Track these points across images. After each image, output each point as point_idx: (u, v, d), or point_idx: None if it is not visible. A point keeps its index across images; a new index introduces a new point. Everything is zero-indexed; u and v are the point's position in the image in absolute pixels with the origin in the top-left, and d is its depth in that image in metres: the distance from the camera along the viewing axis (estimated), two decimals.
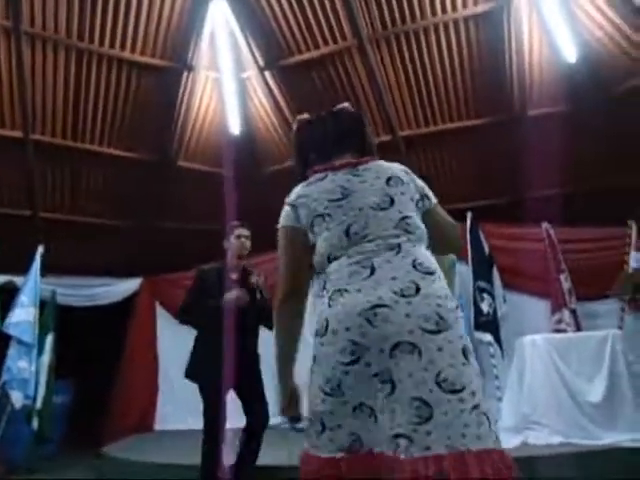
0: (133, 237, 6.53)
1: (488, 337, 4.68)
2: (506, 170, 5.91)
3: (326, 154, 1.52)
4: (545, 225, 5.08)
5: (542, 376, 3.64)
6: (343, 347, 1.24)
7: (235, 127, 6.39)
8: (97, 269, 6.32)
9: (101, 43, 5.50)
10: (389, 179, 1.44)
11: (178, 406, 5.81)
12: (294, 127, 1.63)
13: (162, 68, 5.91)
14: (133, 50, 5.67)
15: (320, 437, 1.26)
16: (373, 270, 1.29)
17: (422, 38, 5.49)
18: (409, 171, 1.51)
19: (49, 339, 5.30)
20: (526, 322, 4.84)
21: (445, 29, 5.39)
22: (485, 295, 4.85)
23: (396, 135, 6.08)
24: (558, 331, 4.60)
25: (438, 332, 1.22)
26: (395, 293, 1.24)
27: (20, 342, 4.96)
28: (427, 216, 1.46)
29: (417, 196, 1.45)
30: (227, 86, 6.22)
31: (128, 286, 6.59)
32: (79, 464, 4.90)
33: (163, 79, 5.98)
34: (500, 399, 4.35)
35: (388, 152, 6.24)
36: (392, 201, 1.39)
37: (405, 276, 1.28)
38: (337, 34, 5.66)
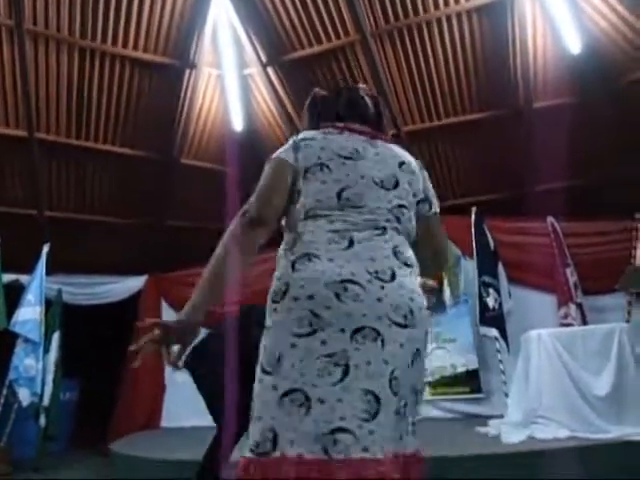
0: (138, 235, 6.55)
1: (494, 332, 4.67)
2: (511, 164, 5.87)
3: (340, 119, 1.44)
4: (550, 219, 5.05)
5: (548, 370, 3.61)
6: (300, 316, 1.09)
7: (238, 124, 6.39)
8: (102, 267, 6.34)
9: (103, 41, 5.51)
10: (402, 163, 1.37)
11: (184, 403, 5.83)
12: (309, 98, 1.57)
13: (165, 65, 5.91)
14: (135, 47, 5.67)
15: (251, 431, 1.09)
16: (352, 243, 1.18)
17: (425, 32, 5.45)
18: (424, 169, 1.45)
19: (55, 337, 5.34)
20: (532, 317, 4.81)
21: (448, 22, 5.35)
22: (491, 290, 4.83)
23: (400, 130, 6.05)
24: (564, 325, 4.57)
25: (404, 326, 1.14)
26: (369, 273, 1.14)
27: (27, 340, 5.00)
28: (422, 222, 1.38)
29: (421, 195, 1.39)
30: (230, 83, 6.21)
31: (133, 284, 6.62)
32: (86, 461, 4.94)
33: (166, 77, 5.98)
34: (506, 394, 4.34)
35: None
36: (396, 185, 1.31)
37: (383, 260, 1.18)
38: (340, 29, 5.63)
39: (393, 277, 1.17)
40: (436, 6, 5.28)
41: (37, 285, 5.25)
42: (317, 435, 1.01)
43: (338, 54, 5.81)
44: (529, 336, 3.89)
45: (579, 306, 4.74)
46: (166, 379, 6.29)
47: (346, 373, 1.06)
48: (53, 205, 6.20)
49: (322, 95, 1.57)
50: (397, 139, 1.51)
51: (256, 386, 1.12)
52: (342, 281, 1.11)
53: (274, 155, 1.33)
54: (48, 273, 5.43)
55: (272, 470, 1.00)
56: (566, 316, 4.71)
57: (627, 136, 5.18)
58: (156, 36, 5.71)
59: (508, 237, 5.22)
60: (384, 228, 1.24)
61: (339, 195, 1.24)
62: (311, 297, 1.10)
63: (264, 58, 6.02)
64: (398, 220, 1.28)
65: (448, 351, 5.28)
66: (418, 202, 1.37)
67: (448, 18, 5.33)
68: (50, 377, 5.13)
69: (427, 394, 5.24)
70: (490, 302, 4.76)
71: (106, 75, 5.71)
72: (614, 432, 3.16)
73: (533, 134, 5.58)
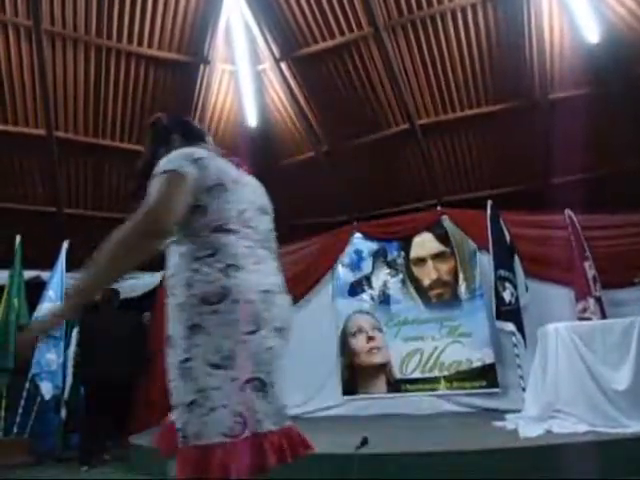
0: None
1: (510, 326, 4.63)
2: (527, 156, 5.80)
3: (192, 133, 1.63)
4: (568, 212, 4.98)
5: (566, 364, 3.57)
6: (243, 316, 1.25)
7: (252, 119, 6.41)
8: None
9: (119, 39, 5.57)
10: (263, 191, 1.57)
11: None
12: (151, 122, 1.73)
13: (179, 62, 5.95)
14: (150, 45, 5.73)
15: (204, 420, 1.17)
16: (259, 259, 1.39)
17: (439, 24, 5.40)
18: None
19: (75, 333, 5.44)
20: (549, 311, 4.77)
21: (462, 13, 5.28)
22: (507, 284, 4.78)
23: (414, 123, 6.02)
24: (583, 320, 4.51)
25: (290, 327, 1.44)
26: (277, 286, 1.41)
27: (48, 335, 5.10)
28: None
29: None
30: (243, 78, 6.23)
31: (150, 280, 6.68)
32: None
33: (180, 73, 6.02)
34: (523, 388, 4.31)
35: (406, 141, 6.19)
36: (268, 211, 1.54)
37: (278, 275, 1.45)
38: (352, 22, 5.60)
39: (282, 289, 1.44)
40: None
41: (57, 281, 5.36)
42: (274, 412, 1.26)
43: (351, 48, 5.78)
44: (546, 330, 3.85)
45: (598, 300, 4.67)
46: None
47: (278, 363, 1.33)
48: (72, 202, 6.31)
49: (170, 117, 1.73)
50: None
51: (208, 380, 1.21)
52: (266, 290, 1.34)
53: (172, 167, 1.32)
54: (68, 269, 5.53)
55: (247, 447, 1.18)
56: (585, 310, 4.65)
57: None
58: (170, 33, 5.76)
59: (525, 230, 5.16)
60: (270, 248, 1.47)
61: (240, 216, 1.39)
62: (251, 301, 1.28)
63: (277, 53, 6.02)
64: (273, 242, 1.51)
65: (464, 345, 5.25)
66: None
67: (462, 9, 5.26)
68: (70, 372, 5.25)
69: (443, 388, 5.23)
70: (506, 296, 4.72)
71: (122, 73, 5.78)
72: (633, 427, 3.12)
73: (550, 126, 5.50)
